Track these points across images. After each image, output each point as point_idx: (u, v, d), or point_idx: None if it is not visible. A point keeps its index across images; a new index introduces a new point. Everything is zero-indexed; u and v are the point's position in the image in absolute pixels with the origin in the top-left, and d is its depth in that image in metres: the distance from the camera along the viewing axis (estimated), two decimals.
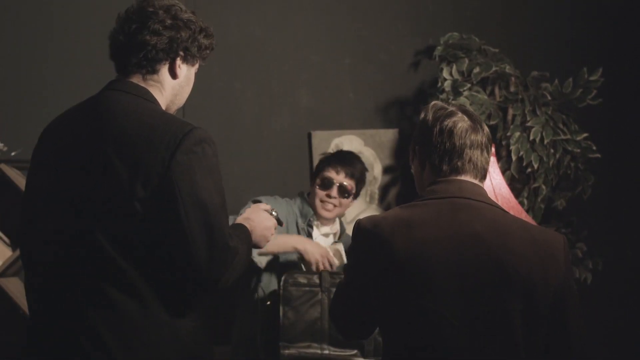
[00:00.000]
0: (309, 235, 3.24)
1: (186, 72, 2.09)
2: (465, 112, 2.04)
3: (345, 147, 4.05)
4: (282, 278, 2.91)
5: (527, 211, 3.71)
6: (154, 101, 2.01)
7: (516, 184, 3.79)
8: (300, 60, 4.10)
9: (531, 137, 3.72)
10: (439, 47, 3.94)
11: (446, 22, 4.16)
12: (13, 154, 3.59)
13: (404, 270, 1.86)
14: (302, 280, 2.93)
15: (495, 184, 3.03)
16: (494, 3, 4.30)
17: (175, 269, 1.86)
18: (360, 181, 3.31)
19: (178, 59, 2.05)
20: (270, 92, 4.05)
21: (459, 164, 1.98)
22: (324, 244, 3.22)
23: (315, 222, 3.28)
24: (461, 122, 2.00)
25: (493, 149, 3.12)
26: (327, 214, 3.25)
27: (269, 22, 4.07)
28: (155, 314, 1.85)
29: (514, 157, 3.76)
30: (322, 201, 3.24)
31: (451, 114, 2.01)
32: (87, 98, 2.05)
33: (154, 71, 2.03)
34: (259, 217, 2.22)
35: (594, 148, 3.82)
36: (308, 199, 3.30)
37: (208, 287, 1.88)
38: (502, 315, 1.85)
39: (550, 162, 3.75)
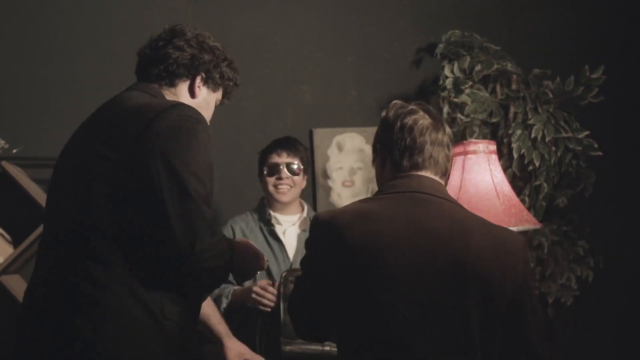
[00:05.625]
0: (274, 235, 3.20)
1: (205, 96, 2.15)
2: (426, 110, 2.05)
3: (347, 145, 4.06)
4: (282, 275, 2.91)
5: (529, 209, 3.71)
6: (162, 98, 2.05)
7: (518, 181, 3.79)
8: (302, 58, 4.10)
9: (533, 135, 3.72)
10: (440, 45, 3.95)
11: (448, 20, 4.16)
12: (15, 151, 3.59)
13: (360, 262, 1.86)
14: None
15: (496, 181, 3.03)
16: (496, 1, 4.31)
17: (150, 237, 1.84)
18: (304, 159, 3.28)
19: (198, 78, 2.11)
20: (273, 89, 4.05)
21: (419, 160, 1.99)
22: (294, 234, 3.22)
23: (273, 216, 3.23)
24: (422, 120, 2.02)
25: (495, 146, 3.12)
26: (284, 197, 3.21)
27: (271, 19, 4.08)
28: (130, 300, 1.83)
29: (515, 155, 3.76)
30: (274, 186, 3.21)
31: (412, 112, 2.03)
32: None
33: (172, 85, 2.10)
34: (250, 246, 2.21)
35: (596, 146, 3.82)
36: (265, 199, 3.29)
37: (181, 255, 1.82)
38: (458, 310, 1.84)
39: (552, 160, 3.75)
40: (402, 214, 1.90)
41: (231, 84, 2.21)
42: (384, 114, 2.08)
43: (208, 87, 2.15)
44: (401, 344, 1.82)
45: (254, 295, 2.91)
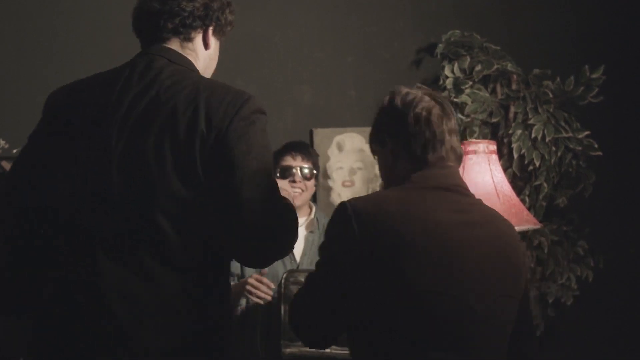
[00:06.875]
0: None
1: (214, 45, 2.07)
2: (431, 95, 1.95)
3: (347, 145, 4.06)
4: (283, 276, 2.90)
5: (529, 209, 3.71)
6: (196, 71, 1.98)
7: (518, 181, 3.80)
8: (302, 58, 4.10)
9: (533, 135, 3.72)
10: (440, 45, 3.95)
11: (448, 20, 4.16)
12: (15, 151, 3.59)
13: (421, 253, 1.76)
14: (303, 278, 2.92)
15: (497, 181, 3.03)
16: (496, 1, 4.30)
17: (227, 242, 1.82)
18: (316, 164, 3.31)
19: (211, 28, 2.03)
20: (273, 89, 4.05)
21: (443, 153, 1.90)
22: (301, 236, 3.19)
23: None
24: (434, 108, 1.91)
25: (495, 146, 3.13)
26: (295, 200, 3.17)
27: (271, 19, 4.08)
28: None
29: (515, 155, 3.76)
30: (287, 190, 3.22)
31: (421, 99, 1.92)
32: (122, 65, 2.00)
33: (190, 39, 2.00)
34: None
35: (596, 146, 3.82)
36: None
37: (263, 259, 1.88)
38: (507, 300, 1.85)
39: (552, 160, 3.75)
40: (446, 205, 1.84)
41: (229, 28, 2.12)
42: (387, 102, 1.98)
43: (215, 36, 2.06)
44: (467, 335, 1.77)
45: (248, 287, 2.89)
